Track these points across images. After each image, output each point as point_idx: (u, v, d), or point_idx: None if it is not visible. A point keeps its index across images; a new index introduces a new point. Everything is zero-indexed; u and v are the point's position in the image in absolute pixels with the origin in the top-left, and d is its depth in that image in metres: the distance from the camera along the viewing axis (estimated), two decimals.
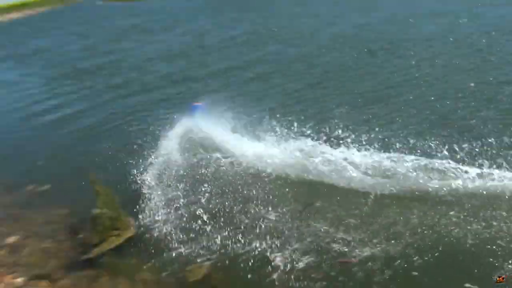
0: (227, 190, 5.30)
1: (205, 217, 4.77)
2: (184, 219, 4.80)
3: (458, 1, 13.09)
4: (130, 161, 6.22)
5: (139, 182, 5.66)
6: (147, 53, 14.36)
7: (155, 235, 4.63)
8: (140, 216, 4.91)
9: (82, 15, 42.44)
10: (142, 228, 4.73)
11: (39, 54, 19.02)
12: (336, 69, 9.14)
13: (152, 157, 6.22)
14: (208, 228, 4.63)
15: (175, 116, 7.05)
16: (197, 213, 4.85)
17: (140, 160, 6.14)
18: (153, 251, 4.43)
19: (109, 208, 4.84)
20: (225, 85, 9.65)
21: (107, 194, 5.07)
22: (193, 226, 4.66)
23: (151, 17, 28.46)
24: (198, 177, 5.64)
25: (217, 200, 5.10)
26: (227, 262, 4.22)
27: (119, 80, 11.35)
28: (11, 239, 4.90)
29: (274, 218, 4.65)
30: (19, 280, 4.26)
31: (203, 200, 5.11)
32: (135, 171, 5.91)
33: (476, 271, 4.10)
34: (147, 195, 5.33)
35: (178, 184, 5.46)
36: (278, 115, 6.84)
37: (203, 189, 5.32)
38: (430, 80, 7.57)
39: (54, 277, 4.28)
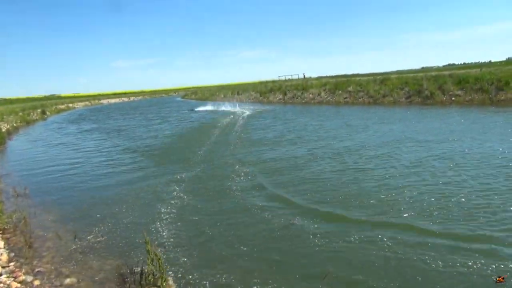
0: None
1: None
2: None
3: (441, 132, 14.38)
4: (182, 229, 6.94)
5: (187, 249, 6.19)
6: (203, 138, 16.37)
7: None
8: (182, 279, 5.31)
9: (160, 106, 48.49)
10: None
11: (118, 132, 22.80)
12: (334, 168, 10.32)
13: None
14: None
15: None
16: None
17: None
18: None
19: (155, 267, 5.37)
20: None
21: (156, 254, 5.63)
22: None
23: (215, 115, 32.45)
24: None
25: None
26: None
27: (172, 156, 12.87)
28: (68, 280, 5.38)
29: None
30: None
31: None
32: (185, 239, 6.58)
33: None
34: (190, 261, 5.76)
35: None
36: None
37: None
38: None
39: None
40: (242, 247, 6.11)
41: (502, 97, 22.76)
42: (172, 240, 6.51)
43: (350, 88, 33.30)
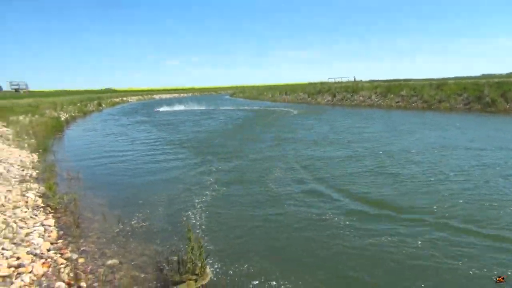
0: None
1: None
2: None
3: (486, 137, 14.05)
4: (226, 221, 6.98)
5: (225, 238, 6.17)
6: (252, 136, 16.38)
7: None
8: (219, 267, 5.28)
9: (208, 102, 49.30)
10: (216, 279, 5.02)
11: (167, 125, 23.39)
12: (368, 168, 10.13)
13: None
14: None
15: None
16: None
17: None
18: None
19: (195, 255, 5.35)
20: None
21: (199, 243, 5.61)
22: None
23: (259, 112, 32.31)
24: None
25: None
26: None
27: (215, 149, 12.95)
28: (110, 261, 5.55)
29: None
30: None
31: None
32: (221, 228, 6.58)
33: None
34: (227, 251, 5.72)
35: None
36: None
37: None
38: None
39: None
40: (278, 241, 6.02)
41: None
42: (208, 229, 6.52)
43: (403, 92, 31.99)
